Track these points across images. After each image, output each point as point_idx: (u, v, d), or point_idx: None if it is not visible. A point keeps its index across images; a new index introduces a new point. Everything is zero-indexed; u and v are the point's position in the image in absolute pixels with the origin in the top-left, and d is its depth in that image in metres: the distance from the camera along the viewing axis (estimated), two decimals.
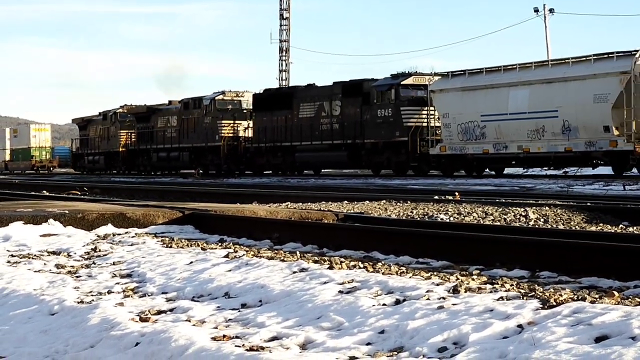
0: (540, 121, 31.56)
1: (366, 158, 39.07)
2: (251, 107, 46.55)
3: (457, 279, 5.61)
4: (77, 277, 6.80)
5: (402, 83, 37.17)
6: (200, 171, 47.12)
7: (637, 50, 29.15)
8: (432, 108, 36.24)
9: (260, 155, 45.18)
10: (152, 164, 53.47)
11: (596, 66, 30.03)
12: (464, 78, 35.05)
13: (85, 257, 7.95)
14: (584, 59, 31.09)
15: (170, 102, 54.23)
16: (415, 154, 36.20)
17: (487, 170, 36.11)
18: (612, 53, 29.84)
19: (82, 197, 19.28)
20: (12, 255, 8.06)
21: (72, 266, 7.37)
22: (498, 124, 33.16)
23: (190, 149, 49.65)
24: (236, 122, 47.21)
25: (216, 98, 47.82)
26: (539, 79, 31.79)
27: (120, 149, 57.01)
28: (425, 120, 36.51)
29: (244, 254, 7.25)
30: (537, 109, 31.54)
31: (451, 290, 5.04)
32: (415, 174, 36.83)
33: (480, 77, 34.36)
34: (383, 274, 5.88)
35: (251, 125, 46.26)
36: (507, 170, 35.84)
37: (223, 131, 47.17)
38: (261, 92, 46.01)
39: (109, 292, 6.03)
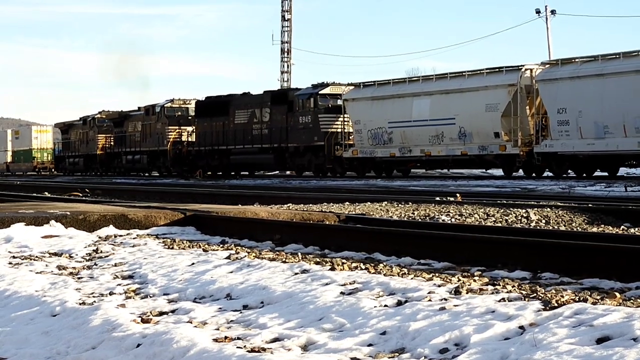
0: (440, 128, 35.02)
1: (290, 160, 42.44)
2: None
3: (459, 280, 5.61)
4: (79, 278, 6.79)
5: (320, 92, 40.22)
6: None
7: (523, 65, 32.41)
8: (346, 115, 39.55)
9: (200, 158, 48.24)
10: (123, 165, 56.73)
11: (488, 79, 33.38)
12: (373, 88, 38.39)
13: (87, 258, 7.94)
14: (478, 72, 34.30)
15: (139, 108, 56.94)
16: (331, 156, 39.51)
17: (395, 171, 39.51)
18: (502, 67, 33.28)
19: (84, 198, 19.28)
20: (14, 257, 8.05)
21: (74, 267, 7.37)
22: (403, 130, 36.54)
23: (147, 152, 53.05)
24: (182, 127, 50.76)
25: (165, 105, 51.50)
26: (439, 89, 35.15)
27: (98, 152, 60.01)
28: (340, 126, 39.67)
29: (245, 256, 7.24)
30: (437, 116, 35.02)
31: (453, 292, 5.04)
32: (332, 175, 39.99)
33: (388, 87, 37.81)
34: (385, 275, 5.87)
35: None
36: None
37: (169, 136, 50.63)
38: (203, 99, 49.17)
39: (111, 294, 6.03)
